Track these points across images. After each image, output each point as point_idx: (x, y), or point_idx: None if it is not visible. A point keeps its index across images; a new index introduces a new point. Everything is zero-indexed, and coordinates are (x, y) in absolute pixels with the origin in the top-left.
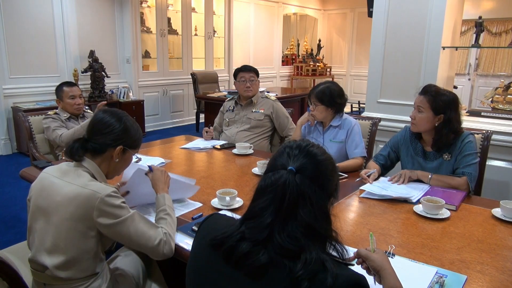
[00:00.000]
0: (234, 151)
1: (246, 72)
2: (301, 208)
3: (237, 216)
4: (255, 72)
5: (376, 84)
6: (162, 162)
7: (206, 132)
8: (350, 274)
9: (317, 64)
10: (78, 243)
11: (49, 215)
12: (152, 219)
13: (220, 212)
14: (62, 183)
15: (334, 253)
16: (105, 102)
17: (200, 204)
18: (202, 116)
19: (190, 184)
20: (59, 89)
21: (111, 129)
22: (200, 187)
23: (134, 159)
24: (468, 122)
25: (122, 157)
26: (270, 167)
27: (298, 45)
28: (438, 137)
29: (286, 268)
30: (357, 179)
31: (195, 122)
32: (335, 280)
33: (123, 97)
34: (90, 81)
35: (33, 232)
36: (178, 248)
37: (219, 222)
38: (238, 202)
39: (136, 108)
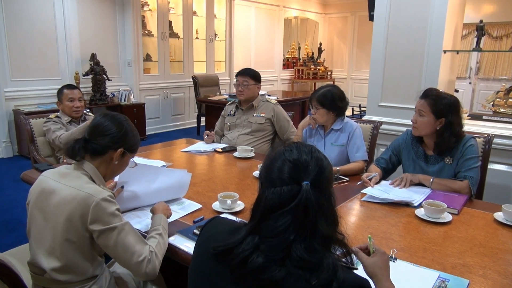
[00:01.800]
0: (235, 154)
1: (240, 76)
2: (319, 222)
3: (238, 219)
4: (249, 75)
5: (377, 88)
6: (164, 165)
7: (207, 135)
8: (354, 278)
9: (318, 67)
10: (74, 246)
11: (47, 218)
12: (147, 219)
13: (222, 215)
14: (60, 185)
15: (338, 252)
16: None
17: (200, 206)
18: (203, 119)
19: (181, 173)
20: (60, 92)
21: (112, 131)
22: (191, 173)
23: (132, 164)
24: (469, 126)
25: (121, 160)
26: (276, 179)
27: (299, 48)
28: (439, 140)
29: (303, 279)
30: (359, 183)
31: (196, 125)
32: (340, 285)
33: (124, 100)
34: (91, 84)
35: (32, 235)
36: (178, 251)
37: (221, 226)
38: (239, 205)
39: (137, 111)
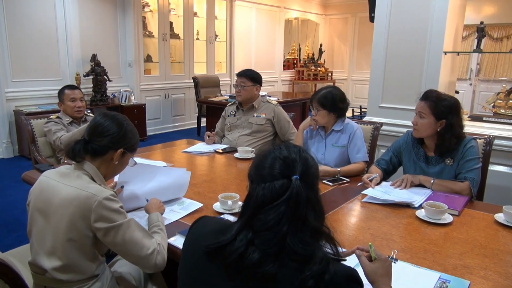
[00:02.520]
0: (236, 155)
1: (239, 77)
2: (308, 215)
3: (231, 218)
4: (247, 77)
5: (377, 89)
6: (164, 166)
7: (208, 136)
8: (344, 269)
9: (319, 68)
10: (76, 245)
11: (48, 218)
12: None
13: (222, 216)
14: (61, 185)
15: (328, 248)
16: None
17: (201, 204)
18: (203, 120)
19: (180, 172)
20: (61, 92)
21: (112, 132)
22: (192, 174)
23: (131, 163)
24: (470, 127)
25: (121, 160)
26: (267, 175)
27: (300, 49)
28: (440, 142)
29: (296, 272)
30: (359, 184)
31: (196, 126)
32: (333, 276)
33: (125, 101)
34: (92, 85)
35: (33, 236)
36: (179, 251)
37: (210, 225)
38: (240, 206)
39: (138, 112)
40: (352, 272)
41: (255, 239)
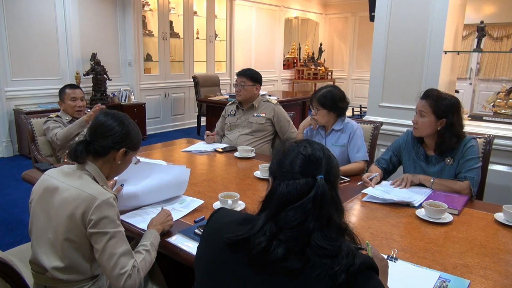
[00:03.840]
0: (236, 154)
1: (239, 76)
2: (332, 213)
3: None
4: (247, 76)
5: (377, 88)
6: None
7: (207, 135)
8: (365, 259)
9: (318, 68)
10: (75, 245)
11: (49, 217)
12: (149, 218)
13: None
14: (63, 185)
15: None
16: (103, 106)
17: (202, 201)
18: (203, 119)
19: (180, 169)
20: (62, 91)
21: (114, 132)
22: (190, 169)
23: (134, 160)
24: (470, 127)
25: (124, 159)
26: (287, 172)
27: (300, 49)
28: (440, 141)
29: (325, 266)
30: (359, 183)
31: (196, 125)
32: (358, 267)
33: (125, 100)
34: (92, 84)
35: (34, 234)
36: (180, 251)
37: (230, 217)
38: (240, 205)
39: (138, 111)
40: (370, 260)
41: (279, 234)
